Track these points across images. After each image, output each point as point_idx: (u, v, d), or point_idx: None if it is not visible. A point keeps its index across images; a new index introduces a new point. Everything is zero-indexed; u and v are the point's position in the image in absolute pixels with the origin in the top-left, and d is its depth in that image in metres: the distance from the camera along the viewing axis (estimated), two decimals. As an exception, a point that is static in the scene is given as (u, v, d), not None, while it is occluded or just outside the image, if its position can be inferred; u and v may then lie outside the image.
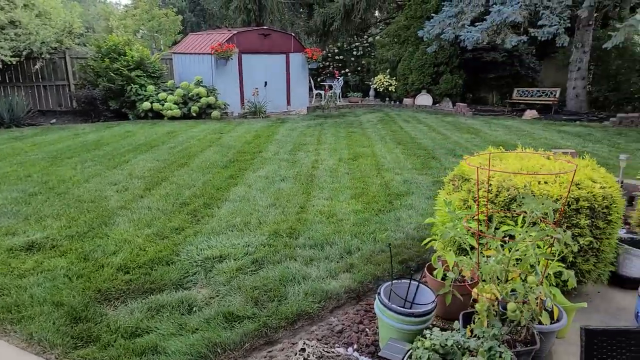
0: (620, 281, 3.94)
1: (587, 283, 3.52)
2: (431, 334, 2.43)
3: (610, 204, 3.36)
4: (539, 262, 2.62)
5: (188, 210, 5.62)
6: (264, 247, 4.58)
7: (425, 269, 3.48)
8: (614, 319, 3.46)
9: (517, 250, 2.43)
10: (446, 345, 2.27)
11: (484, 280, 2.47)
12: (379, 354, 2.72)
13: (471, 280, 3.10)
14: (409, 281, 3.15)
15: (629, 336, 1.51)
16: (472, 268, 2.54)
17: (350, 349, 3.09)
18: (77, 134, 11.01)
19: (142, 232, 4.96)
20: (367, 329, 3.33)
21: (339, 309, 3.64)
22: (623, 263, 3.90)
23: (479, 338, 2.41)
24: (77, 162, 7.97)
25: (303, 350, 2.76)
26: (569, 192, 2.55)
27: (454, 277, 2.64)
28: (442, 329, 3.34)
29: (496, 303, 2.53)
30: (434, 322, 3.40)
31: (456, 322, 2.53)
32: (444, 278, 3.29)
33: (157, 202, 5.91)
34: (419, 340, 2.39)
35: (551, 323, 2.83)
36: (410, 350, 2.37)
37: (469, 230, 2.73)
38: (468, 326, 2.57)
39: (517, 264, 2.50)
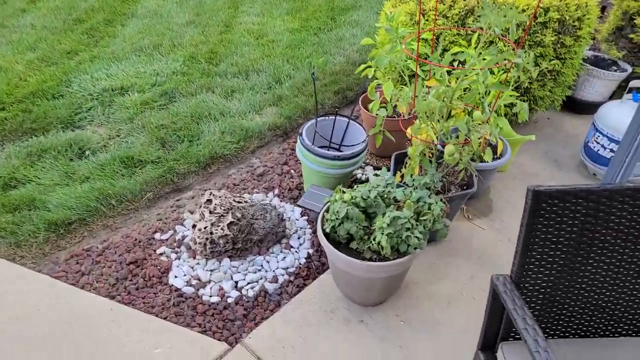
0: (574, 106, 3.67)
1: (537, 111, 3.21)
2: (355, 187, 2.08)
3: (583, 16, 2.83)
4: (488, 92, 2.18)
5: (83, 29, 4.64)
6: (177, 75, 3.90)
7: (360, 101, 3.01)
8: (561, 148, 3.28)
9: (465, 79, 1.96)
10: (368, 197, 1.95)
11: (421, 118, 2.03)
12: (298, 202, 2.41)
13: (409, 116, 2.68)
14: (334, 117, 2.70)
15: (579, 195, 1.19)
16: (410, 102, 2.08)
17: (270, 195, 2.78)
18: None
19: (22, 57, 4.08)
20: (292, 171, 2.99)
21: (263, 148, 3.24)
22: (582, 86, 3.57)
23: (409, 186, 2.09)
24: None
25: (209, 201, 2.40)
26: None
27: (388, 114, 2.19)
28: (376, 168, 3.08)
29: (434, 146, 2.15)
30: (368, 160, 3.10)
31: (384, 168, 2.17)
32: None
33: (43, 18, 4.83)
34: (339, 191, 2.05)
35: (493, 159, 2.55)
36: (328, 204, 2.05)
37: (410, 54, 2.18)
38: (399, 172, 2.23)
39: (464, 95, 2.05)
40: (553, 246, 1.32)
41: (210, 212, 2.36)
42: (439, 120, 2.02)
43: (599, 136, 2.81)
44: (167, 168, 2.88)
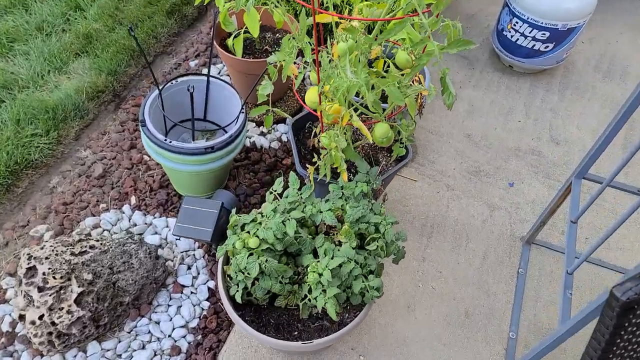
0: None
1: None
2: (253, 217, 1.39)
3: None
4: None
5: None
6: None
7: (214, 39, 2.11)
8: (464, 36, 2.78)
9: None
10: (285, 235, 1.30)
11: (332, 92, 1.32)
12: (173, 232, 1.67)
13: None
14: (188, 78, 1.82)
15: None
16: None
17: (126, 208, 1.94)
18: None
19: None
20: (146, 158, 2.12)
21: (90, 130, 2.25)
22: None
23: (341, 194, 1.45)
24: None
25: (31, 271, 1.55)
26: None
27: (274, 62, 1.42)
28: (259, 123, 2.32)
29: (348, 126, 1.47)
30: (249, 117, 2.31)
31: (292, 175, 1.47)
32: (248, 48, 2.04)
33: None
34: (236, 231, 1.36)
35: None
36: (225, 247, 1.36)
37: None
38: (309, 163, 1.56)
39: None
40: None
41: (40, 290, 1.53)
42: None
43: (517, 22, 2.34)
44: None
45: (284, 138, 2.26)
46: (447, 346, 1.66)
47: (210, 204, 1.70)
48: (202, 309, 1.72)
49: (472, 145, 2.28)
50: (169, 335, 1.65)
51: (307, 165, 1.58)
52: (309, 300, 1.33)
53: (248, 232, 1.37)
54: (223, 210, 1.70)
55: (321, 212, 1.38)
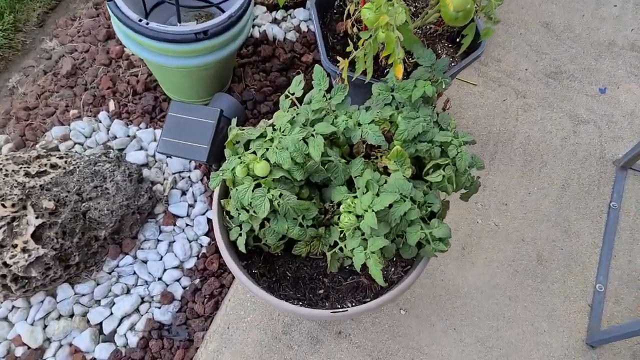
0: None
1: None
2: (267, 126, 0.96)
3: None
4: None
5: None
6: None
7: None
8: None
9: None
10: (307, 161, 0.88)
11: None
12: (157, 149, 1.26)
13: None
14: None
15: None
16: None
17: (102, 116, 1.53)
18: None
19: None
20: (127, 52, 1.66)
21: (56, 14, 1.77)
22: None
23: (391, 96, 1.00)
24: None
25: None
26: None
27: None
28: (270, 7, 1.79)
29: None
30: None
31: (319, 75, 1.00)
32: None
33: None
34: (234, 153, 0.94)
35: None
36: (221, 175, 0.95)
37: None
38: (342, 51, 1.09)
39: None
40: None
41: (-13, 221, 1.18)
42: None
43: None
44: None
45: (304, 27, 1.75)
46: (512, 300, 1.30)
47: (206, 111, 1.27)
48: (201, 246, 1.37)
49: (552, 37, 1.74)
50: (159, 278, 1.32)
51: (337, 58, 1.11)
52: (341, 249, 0.94)
53: (254, 152, 0.96)
54: (223, 120, 1.27)
55: (360, 125, 0.94)
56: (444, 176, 0.91)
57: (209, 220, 1.39)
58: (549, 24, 1.78)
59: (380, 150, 1.00)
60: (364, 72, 1.03)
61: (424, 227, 0.88)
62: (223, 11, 1.45)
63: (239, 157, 0.95)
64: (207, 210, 1.41)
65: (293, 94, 1.04)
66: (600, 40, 1.75)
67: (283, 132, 0.93)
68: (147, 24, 1.22)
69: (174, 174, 1.45)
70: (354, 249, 0.88)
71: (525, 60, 1.69)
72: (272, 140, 0.94)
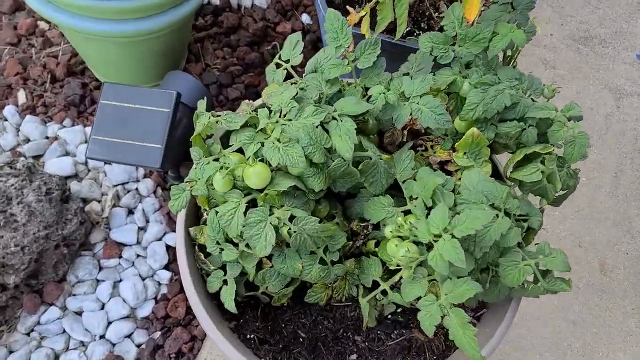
0: None
1: None
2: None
3: None
4: None
5: None
6: None
7: None
8: None
9: None
10: (337, 160, 0.54)
11: None
12: (87, 155, 0.87)
13: None
14: None
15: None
16: None
17: (9, 112, 1.11)
18: None
19: None
20: (46, 26, 1.24)
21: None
22: None
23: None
24: None
25: None
26: None
27: None
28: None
29: None
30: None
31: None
32: None
33: None
34: (220, 166, 0.58)
35: None
36: (183, 193, 0.59)
37: None
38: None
39: None
40: None
41: None
42: None
43: None
44: None
45: (277, -10, 1.39)
46: (578, 326, 1.01)
47: (157, 96, 0.88)
48: (159, 285, 0.99)
49: (573, -2, 1.47)
50: (102, 336, 0.93)
51: (347, 8, 0.76)
52: (384, 292, 0.60)
53: (241, 151, 0.60)
54: (182, 108, 0.90)
55: (407, 99, 0.60)
56: (543, 172, 0.59)
57: (169, 248, 1.01)
58: (569, -19, 1.50)
59: (429, 138, 0.67)
60: (389, 28, 0.70)
61: (525, 255, 0.55)
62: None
63: (216, 159, 0.59)
64: (165, 234, 1.02)
65: (288, 62, 0.69)
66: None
67: (286, 116, 0.58)
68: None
69: (115, 186, 1.05)
70: (420, 298, 0.54)
71: (549, 24, 1.41)
72: (267, 130, 0.59)
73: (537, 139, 0.60)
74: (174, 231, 1.04)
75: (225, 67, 1.27)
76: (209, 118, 0.63)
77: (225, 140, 0.67)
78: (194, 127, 0.63)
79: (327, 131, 0.57)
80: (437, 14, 0.93)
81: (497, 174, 0.67)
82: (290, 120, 0.58)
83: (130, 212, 1.04)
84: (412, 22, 0.95)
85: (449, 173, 0.64)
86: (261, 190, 0.56)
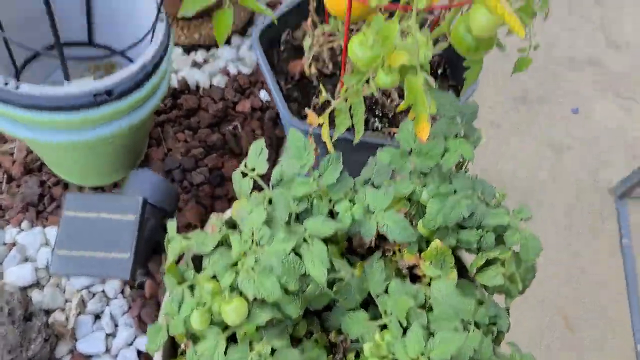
0: None
1: None
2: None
3: None
4: None
5: None
6: None
7: None
8: None
9: None
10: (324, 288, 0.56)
11: None
12: (50, 270, 0.85)
13: None
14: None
15: None
16: None
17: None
18: None
19: None
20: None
21: None
22: None
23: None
24: None
25: None
26: None
27: None
28: (187, 48, 1.42)
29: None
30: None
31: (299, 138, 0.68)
32: None
33: None
34: (196, 304, 0.58)
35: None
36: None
37: None
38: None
39: None
40: None
41: None
42: None
43: None
44: None
45: (232, 69, 1.42)
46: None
47: (122, 203, 0.88)
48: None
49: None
50: None
51: (303, 110, 0.80)
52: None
53: (214, 276, 0.60)
54: (148, 212, 0.89)
55: (372, 213, 0.63)
56: (502, 276, 0.62)
57: (141, 353, 0.98)
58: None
59: (396, 242, 0.70)
60: (352, 128, 0.74)
61: (498, 363, 0.58)
62: (129, 59, 1.08)
63: (192, 293, 0.59)
64: (135, 338, 0.99)
65: (253, 170, 0.71)
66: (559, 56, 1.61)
67: (258, 242, 0.60)
68: (17, 87, 0.82)
69: (79, 290, 1.02)
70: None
71: (491, 87, 1.51)
72: (241, 256, 0.60)
73: (495, 242, 0.64)
74: (145, 333, 1.01)
75: (186, 150, 1.27)
76: (181, 242, 0.64)
77: (197, 260, 0.68)
78: (160, 226, 0.63)
79: (299, 255, 0.59)
80: (389, 100, 0.98)
81: (463, 271, 0.71)
82: (262, 246, 0.59)
83: (97, 317, 1.00)
84: (367, 110, 1.00)
85: (418, 277, 0.67)
86: (239, 326, 0.56)
